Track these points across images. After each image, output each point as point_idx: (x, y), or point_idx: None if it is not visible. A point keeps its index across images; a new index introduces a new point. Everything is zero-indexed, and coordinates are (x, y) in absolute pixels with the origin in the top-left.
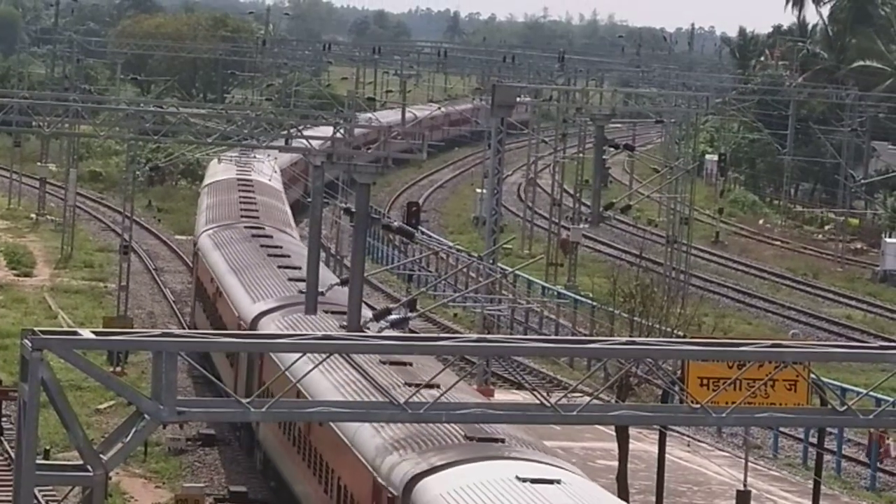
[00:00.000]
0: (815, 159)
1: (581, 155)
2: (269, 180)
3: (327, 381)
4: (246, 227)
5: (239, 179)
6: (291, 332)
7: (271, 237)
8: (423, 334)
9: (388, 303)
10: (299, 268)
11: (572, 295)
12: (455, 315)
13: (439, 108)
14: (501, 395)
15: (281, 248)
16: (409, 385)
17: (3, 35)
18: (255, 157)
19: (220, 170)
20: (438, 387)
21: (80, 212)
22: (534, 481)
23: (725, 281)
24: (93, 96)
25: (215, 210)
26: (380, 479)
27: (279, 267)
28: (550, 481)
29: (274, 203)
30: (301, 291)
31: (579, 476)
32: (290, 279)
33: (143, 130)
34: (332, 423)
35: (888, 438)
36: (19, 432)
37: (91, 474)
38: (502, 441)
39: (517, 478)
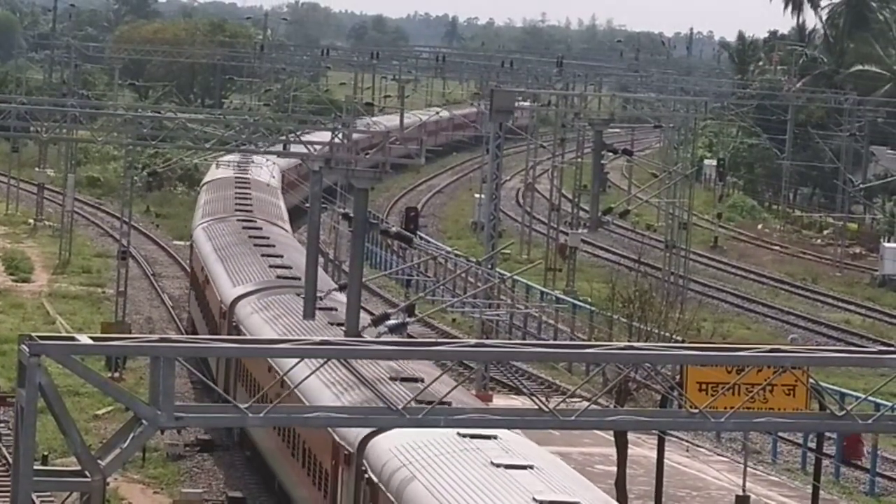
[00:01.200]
0: (814, 164)
1: (579, 160)
2: (266, 178)
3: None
4: (238, 220)
5: (236, 177)
6: (263, 312)
7: (261, 229)
8: (421, 339)
9: (386, 308)
10: (281, 256)
11: (571, 300)
12: (454, 320)
13: (437, 113)
14: (500, 400)
15: (268, 238)
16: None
17: (1, 40)
18: (253, 161)
19: (219, 169)
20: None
21: (78, 217)
22: (473, 437)
23: (724, 286)
24: (91, 102)
25: (211, 205)
26: (338, 439)
27: (263, 255)
28: (488, 437)
29: (268, 199)
30: (279, 277)
31: (515, 433)
32: (270, 266)
33: (141, 136)
34: (298, 392)
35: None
36: (17, 438)
37: (89, 480)
38: (448, 404)
39: (458, 434)
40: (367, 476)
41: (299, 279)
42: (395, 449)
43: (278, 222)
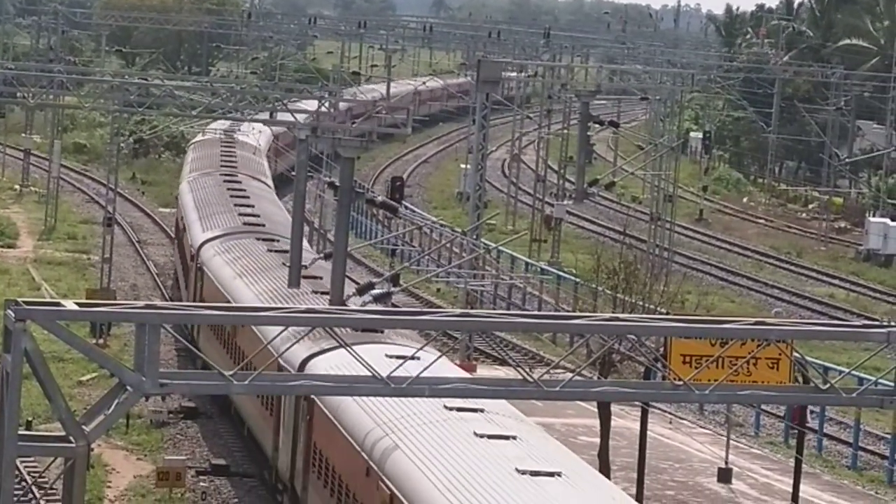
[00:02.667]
0: (800, 138)
1: (566, 131)
2: (252, 139)
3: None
4: (221, 175)
5: (224, 137)
6: (225, 254)
7: (240, 182)
8: (405, 309)
9: (371, 277)
10: (253, 206)
11: (555, 271)
12: (438, 290)
13: (424, 83)
14: (484, 371)
15: (245, 190)
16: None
17: None
18: (239, 129)
19: (208, 130)
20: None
21: (63, 183)
22: (397, 357)
23: (709, 259)
24: (77, 68)
25: (198, 161)
26: (282, 361)
27: (235, 205)
28: (411, 357)
29: (252, 156)
30: (245, 224)
31: (436, 353)
32: (239, 214)
33: (127, 102)
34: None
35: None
36: (1, 403)
37: (73, 445)
38: (381, 332)
39: (385, 355)
40: None
41: (264, 226)
42: (330, 368)
43: (261, 177)
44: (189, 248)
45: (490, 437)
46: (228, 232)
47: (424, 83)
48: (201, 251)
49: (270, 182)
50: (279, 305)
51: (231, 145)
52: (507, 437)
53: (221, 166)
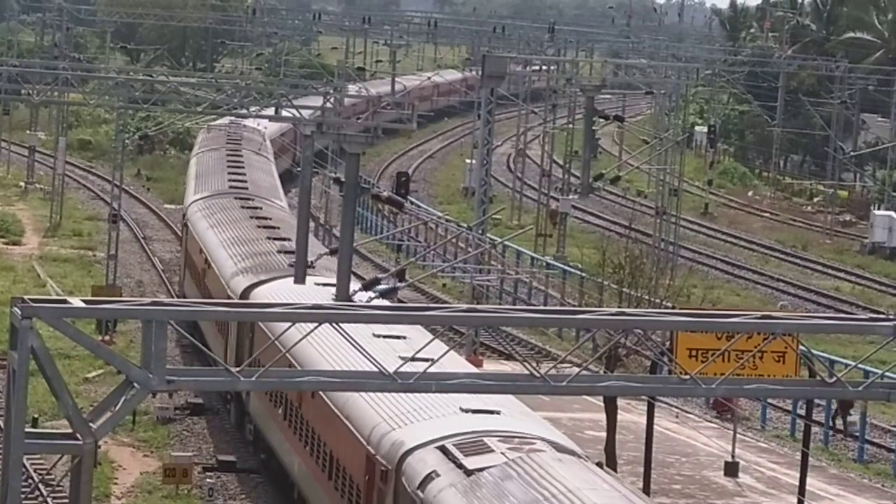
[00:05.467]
0: (805, 131)
1: (571, 126)
2: (260, 125)
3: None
4: (225, 150)
5: (230, 122)
6: (205, 211)
7: (241, 156)
8: (411, 304)
9: (377, 273)
10: (244, 173)
11: (561, 266)
12: (444, 285)
13: (429, 78)
14: (491, 366)
15: (242, 164)
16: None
17: None
18: (245, 127)
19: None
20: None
21: (69, 180)
22: (325, 284)
23: (714, 252)
24: (82, 64)
25: (207, 141)
26: (228, 289)
27: (229, 173)
28: (335, 285)
29: (256, 138)
30: (231, 187)
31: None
32: (229, 181)
33: (132, 99)
34: (214, 268)
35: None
36: (8, 401)
37: (80, 443)
38: (312, 266)
39: (315, 283)
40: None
41: (247, 189)
42: (270, 294)
43: (264, 154)
44: (182, 210)
45: (385, 336)
46: (214, 193)
47: (429, 78)
48: (189, 210)
49: (271, 157)
50: (287, 302)
51: (239, 127)
52: (398, 337)
53: (227, 143)
